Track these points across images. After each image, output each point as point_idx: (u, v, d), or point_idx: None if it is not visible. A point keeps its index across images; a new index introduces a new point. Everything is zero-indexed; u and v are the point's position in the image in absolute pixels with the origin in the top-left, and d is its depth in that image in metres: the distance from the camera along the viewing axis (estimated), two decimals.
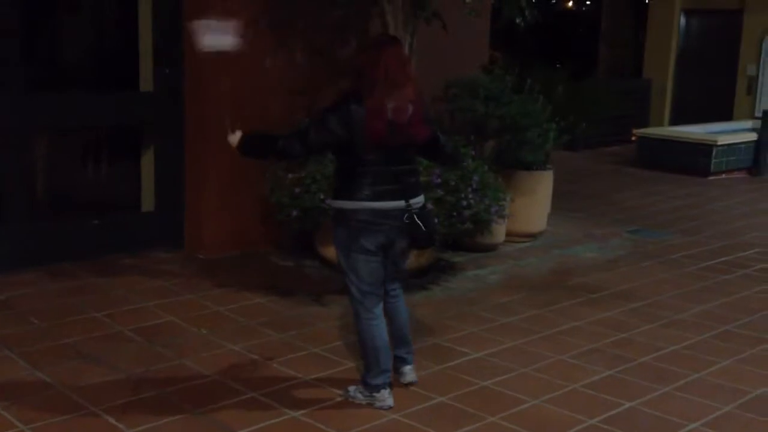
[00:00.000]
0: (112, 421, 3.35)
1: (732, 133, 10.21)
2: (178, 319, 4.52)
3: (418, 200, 3.49)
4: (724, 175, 9.78)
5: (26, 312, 4.51)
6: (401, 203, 3.41)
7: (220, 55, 5.53)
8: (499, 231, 5.95)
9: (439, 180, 5.00)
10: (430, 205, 3.78)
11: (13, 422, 3.30)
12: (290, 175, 5.17)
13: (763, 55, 11.80)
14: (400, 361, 3.70)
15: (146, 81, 5.71)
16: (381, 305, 3.55)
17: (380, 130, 3.31)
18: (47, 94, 5.43)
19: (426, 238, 3.50)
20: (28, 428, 3.26)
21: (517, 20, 5.57)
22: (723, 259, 6.26)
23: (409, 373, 3.73)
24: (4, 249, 5.12)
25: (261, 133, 3.78)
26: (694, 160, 9.70)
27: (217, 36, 5.15)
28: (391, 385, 3.59)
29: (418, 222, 3.43)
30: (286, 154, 3.54)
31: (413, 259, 4.35)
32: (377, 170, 3.36)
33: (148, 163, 5.83)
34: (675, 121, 12.14)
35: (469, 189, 5.14)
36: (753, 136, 10.06)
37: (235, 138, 3.56)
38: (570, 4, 14.94)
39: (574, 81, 8.39)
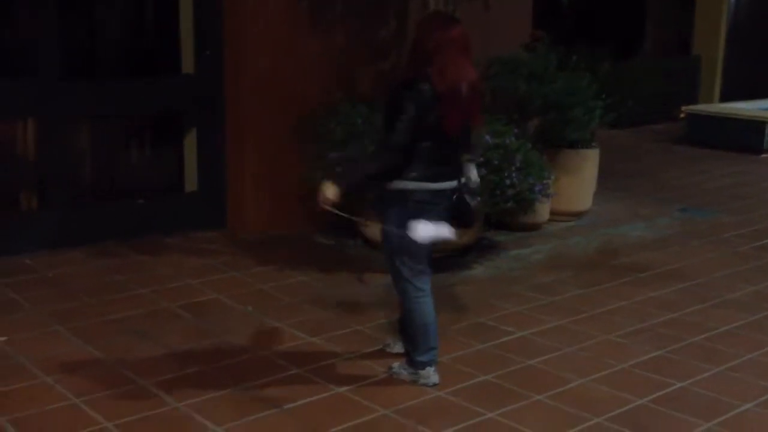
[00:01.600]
0: (161, 394, 3.39)
1: None
2: (222, 297, 4.55)
3: (466, 179, 3.50)
4: None
5: (74, 289, 4.58)
6: (454, 183, 3.42)
7: (260, 37, 5.52)
8: (543, 210, 5.87)
9: (481, 158, 4.94)
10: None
11: (66, 394, 3.37)
12: (331, 155, 5.14)
13: None
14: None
15: (188, 63, 5.74)
16: (429, 281, 3.53)
17: (458, 115, 3.31)
18: (88, 80, 5.49)
19: (470, 215, 3.51)
20: (79, 400, 3.32)
21: None
22: None
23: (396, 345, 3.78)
24: (51, 228, 5.21)
25: (349, 168, 3.61)
26: (746, 137, 9.44)
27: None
28: (436, 363, 3.57)
29: (468, 201, 3.45)
30: (394, 162, 3.35)
31: (456, 238, 4.30)
32: (435, 151, 3.34)
33: (190, 144, 5.87)
34: (725, 98, 11.81)
35: (513, 168, 5.07)
36: None
37: (329, 192, 3.36)
38: None
39: (620, 58, 8.21)
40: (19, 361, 3.67)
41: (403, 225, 3.38)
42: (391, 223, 3.43)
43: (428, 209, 3.37)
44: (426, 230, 3.31)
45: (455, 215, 3.46)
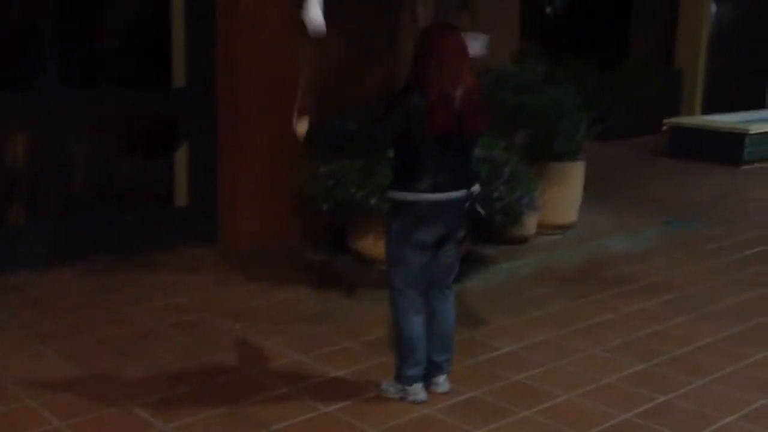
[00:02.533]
0: (147, 416, 3.39)
1: (765, 122, 10.03)
2: (211, 315, 4.56)
3: (476, 188, 3.47)
4: (757, 165, 9.62)
5: (62, 308, 4.57)
6: (462, 192, 3.40)
7: (253, 50, 5.54)
8: (531, 223, 5.91)
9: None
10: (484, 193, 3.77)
11: (50, 418, 3.35)
12: (323, 169, 5.17)
13: None
14: (435, 369, 3.61)
15: (179, 75, 5.75)
16: (421, 298, 3.53)
17: (447, 120, 3.29)
18: (80, 91, 5.48)
19: (486, 224, 3.52)
20: (64, 424, 3.30)
21: (547, 9, 5.52)
22: (757, 249, 6.16)
23: (443, 383, 3.64)
24: (39, 246, 5.19)
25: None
26: (727, 149, 9.55)
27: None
28: (424, 379, 3.59)
29: (479, 209, 3.43)
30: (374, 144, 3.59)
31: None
32: (438, 161, 3.33)
33: (181, 158, 5.88)
34: (707, 111, 11.95)
35: (500, 180, 5.11)
36: None
37: (302, 126, 3.53)
38: None
39: (605, 70, 8.29)
40: (2, 384, 3.63)
41: (403, 236, 3.40)
42: (391, 232, 3.45)
43: (431, 221, 3.38)
44: None
45: (469, 224, 3.46)
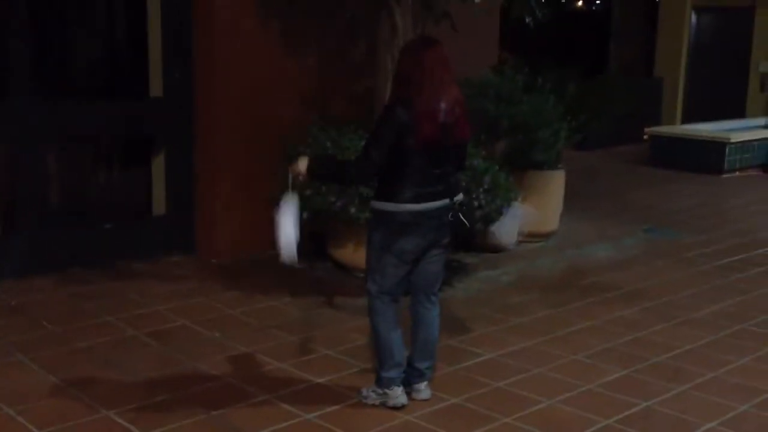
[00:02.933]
0: (125, 423, 3.35)
1: (745, 131, 10.14)
2: (190, 323, 4.52)
3: (460, 197, 3.49)
4: (737, 173, 9.72)
5: (39, 317, 4.52)
6: (445, 202, 3.41)
7: (232, 59, 5.53)
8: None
9: None
10: (467, 202, 3.78)
11: (27, 426, 3.31)
12: (300, 177, 5.14)
13: None
14: (417, 375, 3.62)
15: (156, 86, 5.73)
16: (395, 304, 3.53)
17: (432, 132, 3.30)
18: (57, 102, 5.45)
19: (468, 233, 3.53)
20: None
21: (527, 20, 5.55)
22: (738, 257, 6.20)
23: (425, 389, 3.64)
24: (17, 255, 5.13)
25: (327, 158, 3.74)
26: (707, 158, 9.64)
27: None
28: (405, 385, 3.57)
29: (463, 219, 3.45)
30: (361, 181, 3.72)
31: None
32: (422, 172, 3.34)
33: (159, 167, 5.85)
34: (687, 120, 12.07)
35: (480, 189, 5.12)
36: (766, 134, 9.99)
37: (302, 165, 3.51)
38: (580, 3, 14.87)
39: (584, 80, 8.35)
40: None
41: (385, 245, 3.40)
42: (373, 242, 3.45)
43: (414, 231, 3.38)
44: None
45: (452, 233, 3.47)
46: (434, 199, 3.39)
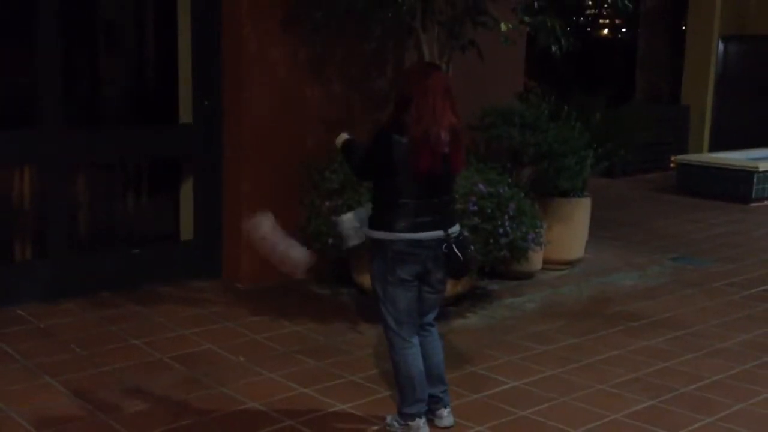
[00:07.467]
0: None
1: None
2: (216, 347, 4.55)
3: (455, 229, 3.47)
4: (766, 202, 9.59)
5: (67, 340, 4.58)
6: (439, 233, 3.39)
7: (260, 86, 5.62)
8: (536, 259, 5.90)
9: (475, 207, 4.99)
10: (466, 233, 3.75)
11: None
12: (327, 203, 5.20)
13: None
14: (435, 401, 3.60)
15: (186, 113, 5.83)
16: (416, 334, 3.52)
17: (428, 160, 3.29)
18: (88, 130, 5.57)
19: (463, 267, 3.47)
20: None
21: (553, 48, 5.57)
22: (766, 287, 6.12)
23: (447, 416, 3.63)
24: (46, 279, 5.22)
25: (357, 143, 3.72)
26: (735, 187, 9.54)
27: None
28: (426, 415, 3.55)
29: (457, 252, 3.41)
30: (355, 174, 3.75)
31: (450, 287, 4.33)
32: (417, 201, 3.34)
33: (186, 192, 5.93)
34: (714, 148, 11.96)
35: (506, 217, 5.12)
36: None
37: (341, 138, 3.70)
38: (606, 31, 14.91)
39: (610, 108, 8.34)
40: (8, 415, 3.64)
41: (384, 274, 3.40)
42: (374, 271, 3.47)
43: (410, 259, 3.38)
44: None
45: (445, 265, 3.45)
46: (430, 229, 3.37)
